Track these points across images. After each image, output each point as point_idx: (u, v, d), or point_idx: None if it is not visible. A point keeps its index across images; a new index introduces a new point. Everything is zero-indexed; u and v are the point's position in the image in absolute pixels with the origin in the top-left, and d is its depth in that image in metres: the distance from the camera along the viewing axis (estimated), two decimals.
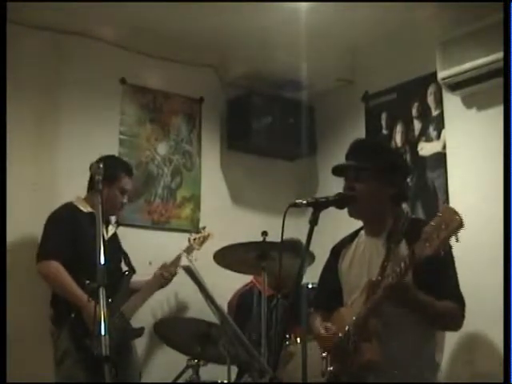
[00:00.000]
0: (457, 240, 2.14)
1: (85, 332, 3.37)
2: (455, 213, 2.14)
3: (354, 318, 2.47)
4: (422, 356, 2.54)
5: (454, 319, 2.53)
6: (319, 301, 2.89)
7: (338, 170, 2.73)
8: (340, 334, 2.51)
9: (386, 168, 2.65)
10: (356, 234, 2.84)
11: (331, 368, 2.57)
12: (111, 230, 3.89)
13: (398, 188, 2.67)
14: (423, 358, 2.55)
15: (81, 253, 3.47)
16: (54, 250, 3.59)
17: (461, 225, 2.10)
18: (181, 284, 4.00)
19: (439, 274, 2.46)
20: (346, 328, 2.48)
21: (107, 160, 3.85)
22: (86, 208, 3.72)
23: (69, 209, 3.72)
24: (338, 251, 2.85)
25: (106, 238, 3.80)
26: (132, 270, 3.90)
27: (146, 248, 4.31)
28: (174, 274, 3.98)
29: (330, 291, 2.81)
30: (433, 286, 2.45)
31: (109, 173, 3.68)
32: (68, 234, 3.61)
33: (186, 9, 4.10)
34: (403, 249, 2.50)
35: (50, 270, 3.57)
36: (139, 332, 3.76)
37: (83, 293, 3.41)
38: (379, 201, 2.65)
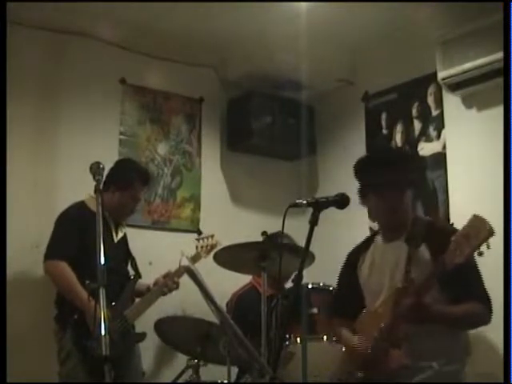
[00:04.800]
0: (488, 247, 2.24)
1: (87, 333, 3.36)
2: (485, 222, 2.23)
3: (382, 324, 2.49)
4: (450, 353, 2.57)
5: (480, 319, 2.61)
6: (340, 308, 2.92)
7: (367, 186, 2.75)
8: (367, 340, 2.53)
9: (412, 177, 2.70)
10: (371, 239, 2.85)
11: (360, 374, 2.59)
12: (121, 232, 3.88)
13: (416, 191, 2.73)
14: (452, 354, 2.58)
15: (89, 253, 3.47)
16: (61, 251, 3.59)
17: (491, 233, 2.17)
18: (181, 284, 4.01)
19: (466, 278, 2.52)
20: (375, 334, 2.51)
21: (125, 165, 3.87)
22: (95, 208, 3.68)
23: (79, 208, 3.70)
24: (355, 258, 2.87)
25: (116, 240, 3.80)
26: (137, 275, 3.90)
27: (146, 248, 4.30)
28: (176, 286, 3.93)
29: (351, 298, 2.83)
30: (460, 289, 2.51)
31: (124, 179, 3.72)
32: (76, 234, 3.60)
33: (186, 9, 4.09)
34: (424, 252, 2.53)
35: (56, 270, 3.57)
36: (141, 337, 3.75)
37: (86, 294, 3.41)
38: (406, 208, 2.69)
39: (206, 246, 4.10)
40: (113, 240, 3.76)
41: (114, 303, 3.56)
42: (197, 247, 4.11)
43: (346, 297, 2.89)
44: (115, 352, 3.35)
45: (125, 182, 3.75)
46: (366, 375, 2.56)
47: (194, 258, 4.02)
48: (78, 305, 3.42)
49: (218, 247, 4.09)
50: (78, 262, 3.53)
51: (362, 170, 2.81)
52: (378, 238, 2.80)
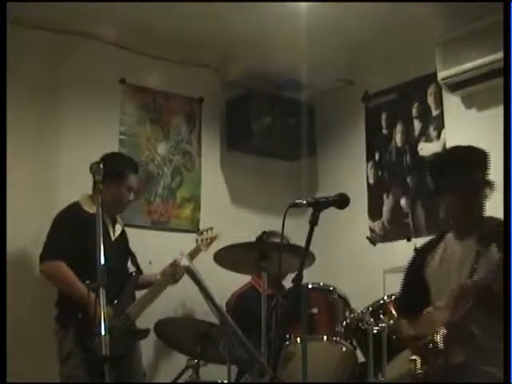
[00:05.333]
0: None
1: (91, 332, 3.36)
2: None
3: (445, 320, 2.50)
4: None
5: None
6: (405, 305, 2.92)
7: (443, 185, 2.75)
8: (431, 337, 2.53)
9: (487, 177, 2.72)
10: (441, 236, 2.85)
11: (421, 371, 2.59)
12: (118, 229, 3.88)
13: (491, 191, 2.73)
14: None
15: (86, 254, 3.48)
16: (57, 251, 3.59)
17: None
18: (181, 284, 4.01)
19: None
20: (438, 330, 2.51)
21: (112, 158, 3.88)
22: (90, 208, 3.69)
23: (73, 210, 3.71)
24: (423, 255, 2.87)
25: (113, 238, 3.81)
26: (139, 271, 3.91)
27: (146, 248, 4.30)
28: (183, 273, 3.94)
29: (416, 295, 2.83)
30: None
31: (115, 171, 3.73)
32: (72, 235, 3.60)
33: (186, 9, 4.09)
34: (494, 251, 2.53)
35: (53, 269, 3.58)
36: (144, 334, 3.75)
37: (88, 291, 3.41)
38: (480, 208, 2.72)
39: (206, 239, 4.14)
40: (110, 239, 3.76)
41: (115, 301, 3.56)
42: (197, 240, 4.15)
43: (411, 294, 2.90)
44: (118, 350, 3.36)
45: (116, 174, 3.74)
46: (425, 370, 2.57)
47: (194, 252, 4.05)
48: (81, 301, 3.42)
49: (218, 245, 4.09)
50: (73, 263, 3.53)
51: (437, 168, 2.81)
52: (449, 236, 2.81)
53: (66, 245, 3.59)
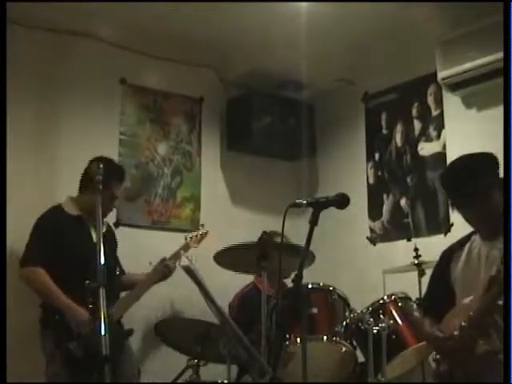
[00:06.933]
0: None
1: (67, 335, 3.36)
2: None
3: (470, 313, 2.49)
4: None
5: None
6: (429, 306, 2.93)
7: (457, 195, 2.75)
8: (455, 333, 2.53)
9: (497, 178, 2.71)
10: (467, 238, 2.85)
11: (444, 368, 2.60)
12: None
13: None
14: None
15: (66, 257, 3.51)
16: (36, 257, 3.57)
17: None
18: (181, 284, 4.00)
19: None
20: (462, 324, 2.51)
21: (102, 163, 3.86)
22: (72, 211, 3.70)
23: (54, 213, 3.70)
24: (448, 257, 2.87)
25: (95, 239, 3.78)
26: (121, 271, 3.92)
27: (146, 248, 4.30)
28: (173, 270, 3.92)
29: (441, 297, 2.84)
30: None
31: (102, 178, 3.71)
32: (51, 239, 3.58)
33: (187, 9, 4.10)
34: None
35: (31, 276, 3.56)
36: (127, 333, 3.72)
37: (65, 296, 3.43)
38: (498, 210, 2.68)
39: (196, 236, 4.10)
40: (92, 239, 3.71)
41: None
42: (186, 238, 4.10)
43: (436, 296, 2.91)
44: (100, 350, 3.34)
45: (102, 182, 3.73)
46: (451, 365, 2.57)
47: (184, 249, 3.99)
48: (58, 307, 3.44)
49: (218, 245, 4.07)
50: (55, 266, 3.52)
51: (451, 181, 2.80)
52: (476, 238, 2.81)
53: (46, 250, 3.57)
